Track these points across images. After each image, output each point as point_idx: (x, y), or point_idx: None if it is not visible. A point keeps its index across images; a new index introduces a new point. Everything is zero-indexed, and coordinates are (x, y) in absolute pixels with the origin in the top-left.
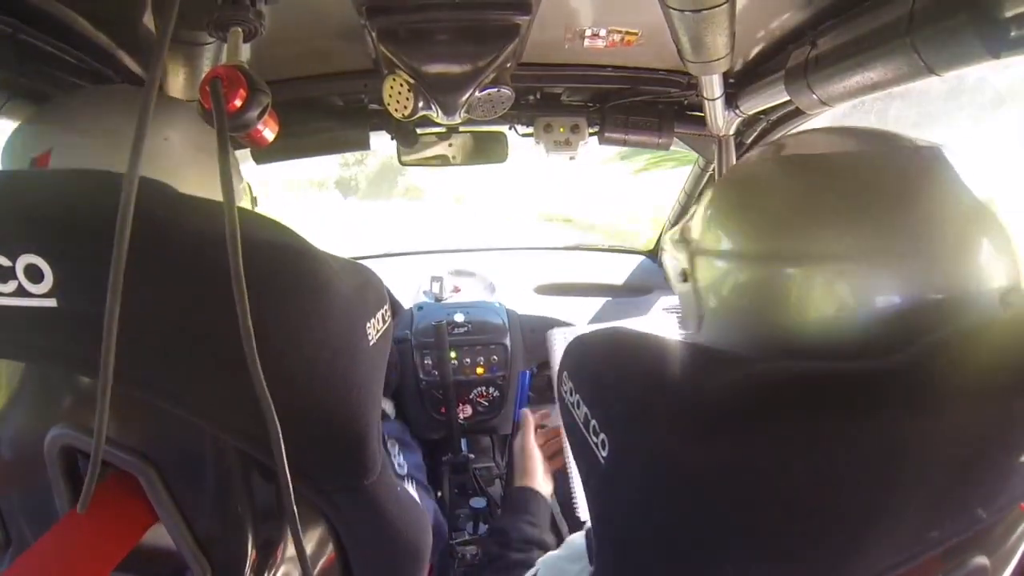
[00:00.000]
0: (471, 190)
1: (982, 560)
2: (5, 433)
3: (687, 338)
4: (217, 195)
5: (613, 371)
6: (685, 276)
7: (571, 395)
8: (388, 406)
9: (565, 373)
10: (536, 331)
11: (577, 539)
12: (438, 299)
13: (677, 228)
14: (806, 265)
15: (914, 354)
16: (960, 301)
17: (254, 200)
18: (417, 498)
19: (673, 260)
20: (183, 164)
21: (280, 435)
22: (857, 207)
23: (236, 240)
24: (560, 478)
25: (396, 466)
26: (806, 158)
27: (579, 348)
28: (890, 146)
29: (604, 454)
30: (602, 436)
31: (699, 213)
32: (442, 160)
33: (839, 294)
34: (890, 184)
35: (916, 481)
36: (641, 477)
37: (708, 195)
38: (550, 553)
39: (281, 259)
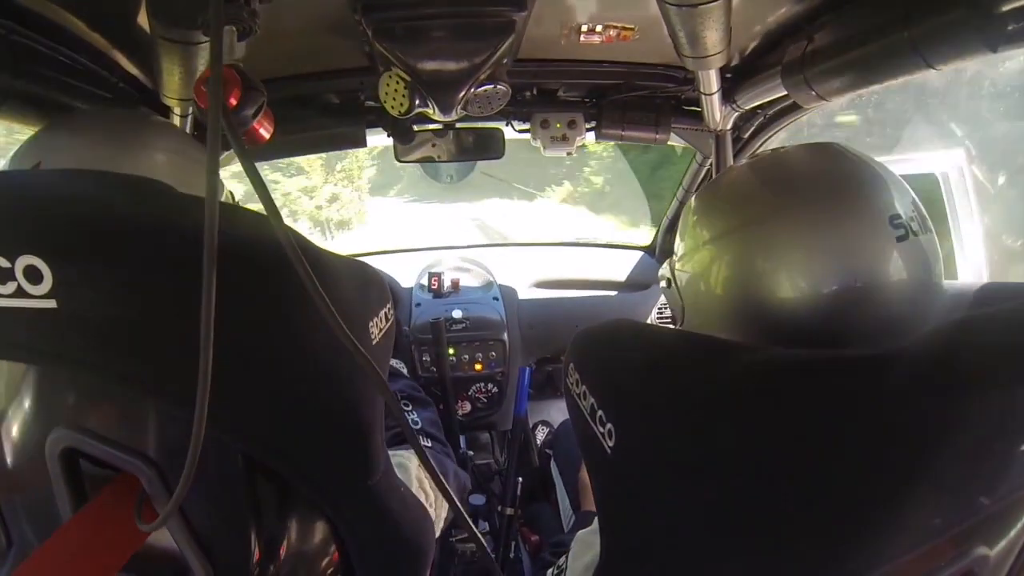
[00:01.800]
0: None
1: (984, 550)
2: (6, 435)
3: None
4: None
5: (619, 362)
6: (668, 282)
7: (577, 386)
8: (399, 364)
9: (571, 364)
10: (534, 327)
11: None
12: (437, 295)
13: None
14: (749, 242)
15: (917, 342)
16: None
17: (236, 204)
18: (415, 475)
19: (662, 270)
20: (172, 176)
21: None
22: (795, 197)
23: (213, 236)
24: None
25: (411, 423)
26: (751, 166)
27: (585, 339)
28: (797, 151)
29: (611, 443)
30: (608, 426)
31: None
32: (438, 157)
33: (786, 277)
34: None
35: (919, 469)
36: (647, 465)
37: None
38: (583, 530)
39: (284, 260)
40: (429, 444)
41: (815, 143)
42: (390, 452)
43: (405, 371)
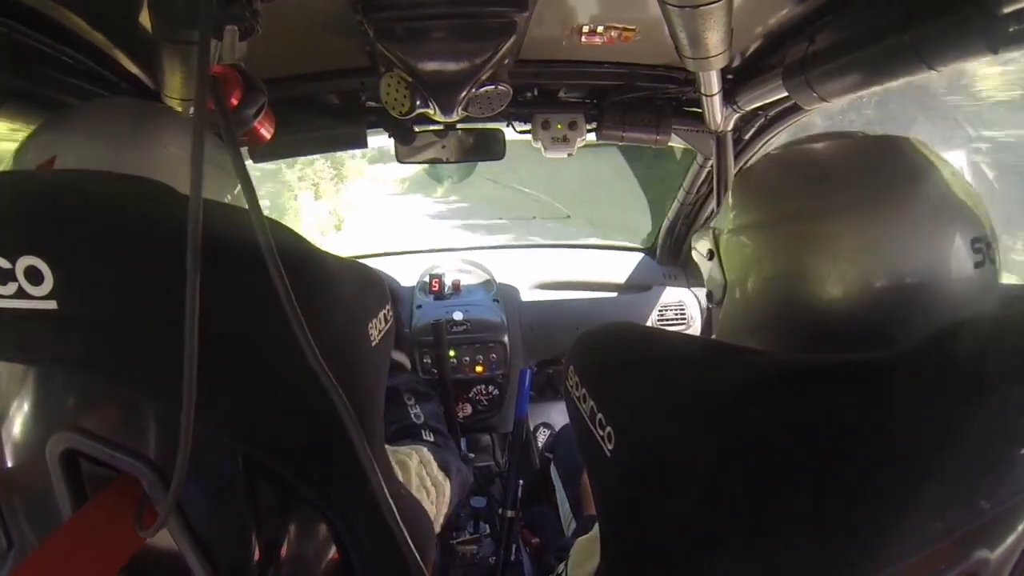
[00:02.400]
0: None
1: (985, 553)
2: (7, 436)
3: (709, 317)
4: (213, 198)
5: (619, 364)
6: (711, 254)
7: (577, 389)
8: (402, 358)
9: (571, 367)
10: (535, 329)
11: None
12: (438, 297)
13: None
14: (820, 234)
15: (919, 344)
16: (933, 286)
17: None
18: (416, 471)
19: (701, 242)
20: (182, 171)
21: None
22: (883, 200)
23: (198, 234)
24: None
25: (413, 416)
26: (803, 152)
27: (585, 342)
28: (873, 141)
29: (610, 447)
30: (608, 429)
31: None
32: (439, 158)
33: (853, 280)
34: (872, 171)
35: (921, 473)
36: (648, 467)
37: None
38: (582, 537)
39: (284, 261)
40: (432, 439)
41: (899, 137)
42: (391, 448)
43: (408, 365)
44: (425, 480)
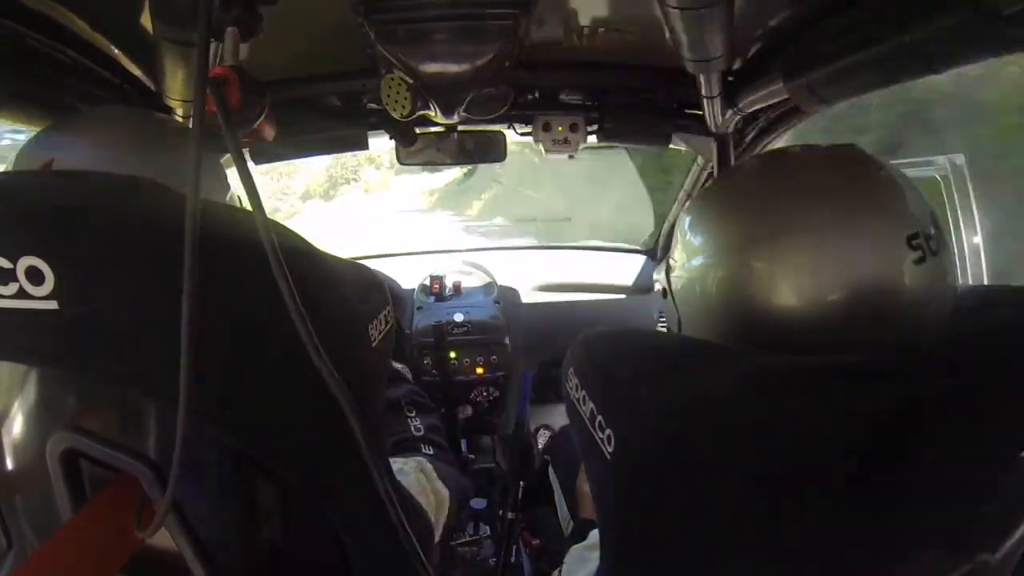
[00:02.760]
0: None
1: (985, 556)
2: (6, 436)
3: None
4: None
5: (618, 367)
6: (664, 293)
7: (577, 391)
8: (403, 368)
9: (571, 370)
10: (536, 331)
11: (595, 532)
12: (439, 299)
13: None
14: (752, 253)
15: (919, 348)
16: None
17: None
18: (415, 480)
19: (659, 278)
20: (177, 177)
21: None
22: (806, 207)
23: (195, 235)
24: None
25: (413, 429)
26: (738, 178)
27: (585, 345)
28: (809, 157)
29: (611, 449)
30: (608, 431)
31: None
32: (440, 160)
33: (790, 292)
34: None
35: (920, 475)
36: (649, 470)
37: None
38: (576, 545)
39: (285, 261)
40: (431, 452)
41: (833, 145)
42: (392, 459)
43: (410, 376)
44: (426, 490)
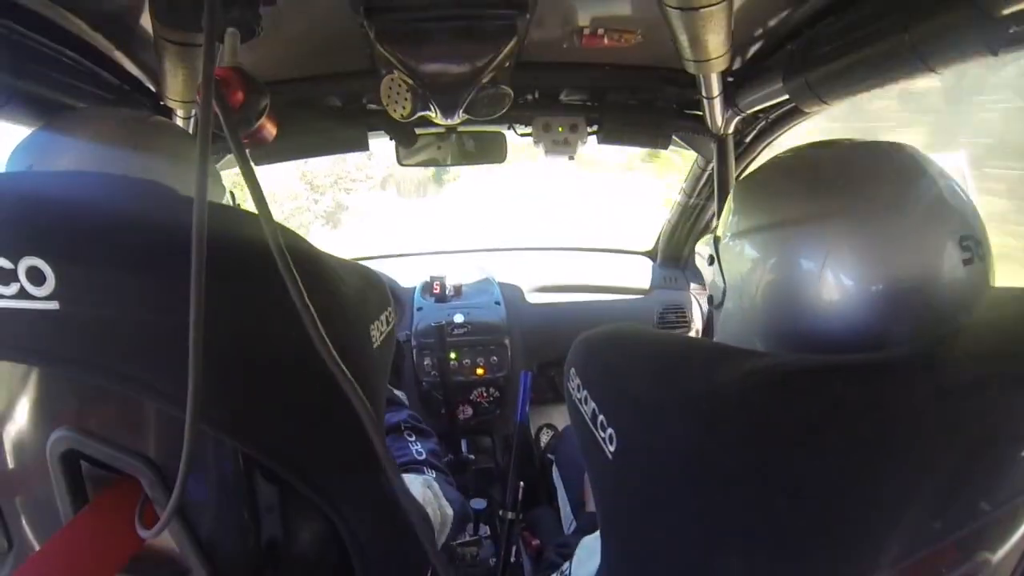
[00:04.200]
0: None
1: (986, 555)
2: (7, 436)
3: (709, 320)
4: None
5: (621, 366)
6: (712, 259)
7: (578, 391)
8: (401, 395)
9: (572, 369)
10: (536, 331)
11: None
12: (439, 299)
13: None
14: (814, 237)
15: (921, 346)
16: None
17: (237, 207)
18: (421, 494)
19: (704, 247)
20: (174, 176)
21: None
22: (871, 202)
23: (203, 236)
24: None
25: (414, 452)
26: (800, 158)
27: (586, 344)
28: (868, 148)
29: (612, 448)
30: (610, 431)
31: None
32: (441, 160)
33: (846, 281)
34: (865, 175)
35: (921, 474)
36: (650, 469)
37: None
38: (588, 536)
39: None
40: (432, 475)
41: (893, 143)
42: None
43: (407, 402)
44: (432, 507)
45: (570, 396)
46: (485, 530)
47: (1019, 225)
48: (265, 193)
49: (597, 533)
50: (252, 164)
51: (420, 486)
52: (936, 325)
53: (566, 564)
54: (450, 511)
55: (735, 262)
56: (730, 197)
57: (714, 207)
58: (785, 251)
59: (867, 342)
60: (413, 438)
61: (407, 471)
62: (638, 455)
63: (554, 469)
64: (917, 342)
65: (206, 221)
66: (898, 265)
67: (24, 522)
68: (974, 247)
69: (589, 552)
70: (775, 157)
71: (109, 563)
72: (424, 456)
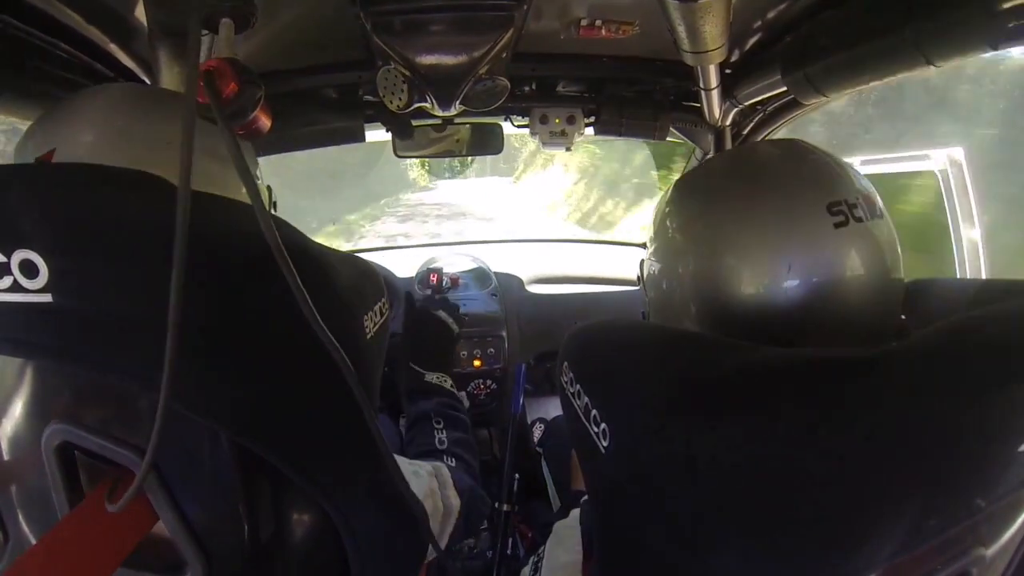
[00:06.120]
0: None
1: (981, 551)
2: (2, 430)
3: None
4: (225, 194)
5: (615, 360)
6: (638, 278)
7: (571, 385)
8: (441, 379)
9: (565, 363)
10: (534, 323)
11: (576, 511)
12: (436, 292)
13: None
14: (697, 234)
15: (914, 342)
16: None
17: (274, 204)
18: (427, 483)
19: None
20: (201, 167)
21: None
22: (738, 189)
23: (185, 228)
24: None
25: (437, 443)
26: (695, 174)
27: (578, 338)
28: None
29: (605, 443)
30: (603, 426)
31: None
32: (438, 152)
33: (729, 270)
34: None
35: (915, 467)
36: (644, 464)
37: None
38: (560, 521)
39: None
40: (453, 463)
41: (778, 139)
42: (408, 461)
43: (450, 385)
44: (436, 497)
45: (563, 390)
46: (482, 522)
47: None
48: None
49: (567, 520)
50: (247, 159)
51: (426, 475)
52: (848, 301)
53: (541, 548)
54: (456, 501)
55: (654, 272)
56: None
57: None
58: (684, 250)
59: (784, 328)
60: (440, 425)
61: (423, 458)
62: (632, 450)
63: (543, 462)
64: (915, 338)
65: (189, 208)
66: (775, 245)
67: (20, 515)
68: (847, 210)
69: (557, 540)
70: (681, 176)
71: (109, 557)
72: (446, 445)
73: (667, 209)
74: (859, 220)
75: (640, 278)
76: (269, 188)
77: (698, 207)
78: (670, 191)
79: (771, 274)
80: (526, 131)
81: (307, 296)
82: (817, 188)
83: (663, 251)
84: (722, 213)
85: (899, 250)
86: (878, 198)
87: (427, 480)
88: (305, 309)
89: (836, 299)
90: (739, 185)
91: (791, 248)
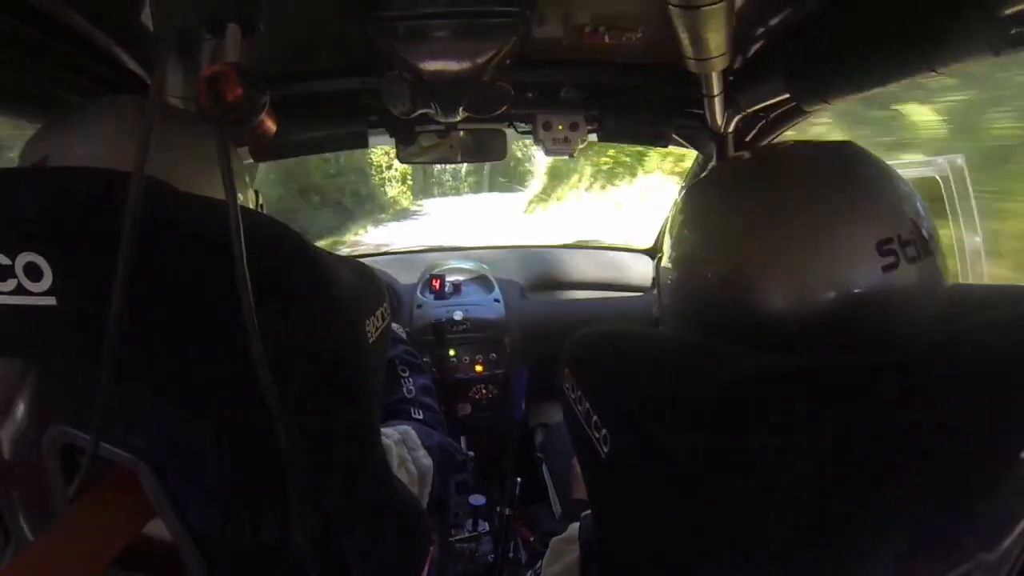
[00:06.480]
0: None
1: (982, 556)
2: (4, 431)
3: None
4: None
5: (615, 366)
6: (653, 283)
7: (573, 391)
8: (398, 328)
9: (567, 369)
10: (536, 329)
11: (574, 526)
12: (438, 296)
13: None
14: (726, 245)
15: (914, 350)
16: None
17: (260, 207)
18: (396, 455)
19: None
20: (181, 171)
21: (286, 422)
22: (783, 205)
23: (239, 233)
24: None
25: (405, 391)
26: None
27: (580, 344)
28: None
29: (606, 449)
30: (604, 432)
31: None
32: (441, 158)
33: (760, 288)
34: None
35: (916, 476)
36: (645, 471)
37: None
38: (556, 537)
39: (282, 257)
40: (421, 416)
41: (829, 142)
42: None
43: (404, 335)
44: (407, 463)
45: (564, 395)
46: (484, 526)
47: None
48: None
49: (564, 535)
50: (234, 166)
51: (394, 445)
52: (881, 333)
53: (538, 563)
54: (427, 461)
55: (672, 279)
56: (670, 217)
57: None
58: (711, 259)
59: (812, 345)
60: (407, 373)
61: (394, 414)
62: (633, 457)
63: (544, 468)
64: (915, 347)
65: (141, 204)
66: (816, 280)
67: (21, 517)
68: (899, 249)
69: (555, 555)
70: (705, 175)
71: (100, 555)
72: (414, 394)
73: (685, 216)
74: (911, 260)
75: (655, 282)
76: (257, 193)
77: (725, 213)
78: (688, 196)
79: (802, 302)
80: (529, 138)
81: (251, 295)
82: (868, 220)
83: (680, 261)
84: (751, 227)
85: (946, 285)
86: (930, 223)
87: (395, 450)
88: (250, 329)
89: (870, 335)
90: (776, 196)
91: (828, 283)
